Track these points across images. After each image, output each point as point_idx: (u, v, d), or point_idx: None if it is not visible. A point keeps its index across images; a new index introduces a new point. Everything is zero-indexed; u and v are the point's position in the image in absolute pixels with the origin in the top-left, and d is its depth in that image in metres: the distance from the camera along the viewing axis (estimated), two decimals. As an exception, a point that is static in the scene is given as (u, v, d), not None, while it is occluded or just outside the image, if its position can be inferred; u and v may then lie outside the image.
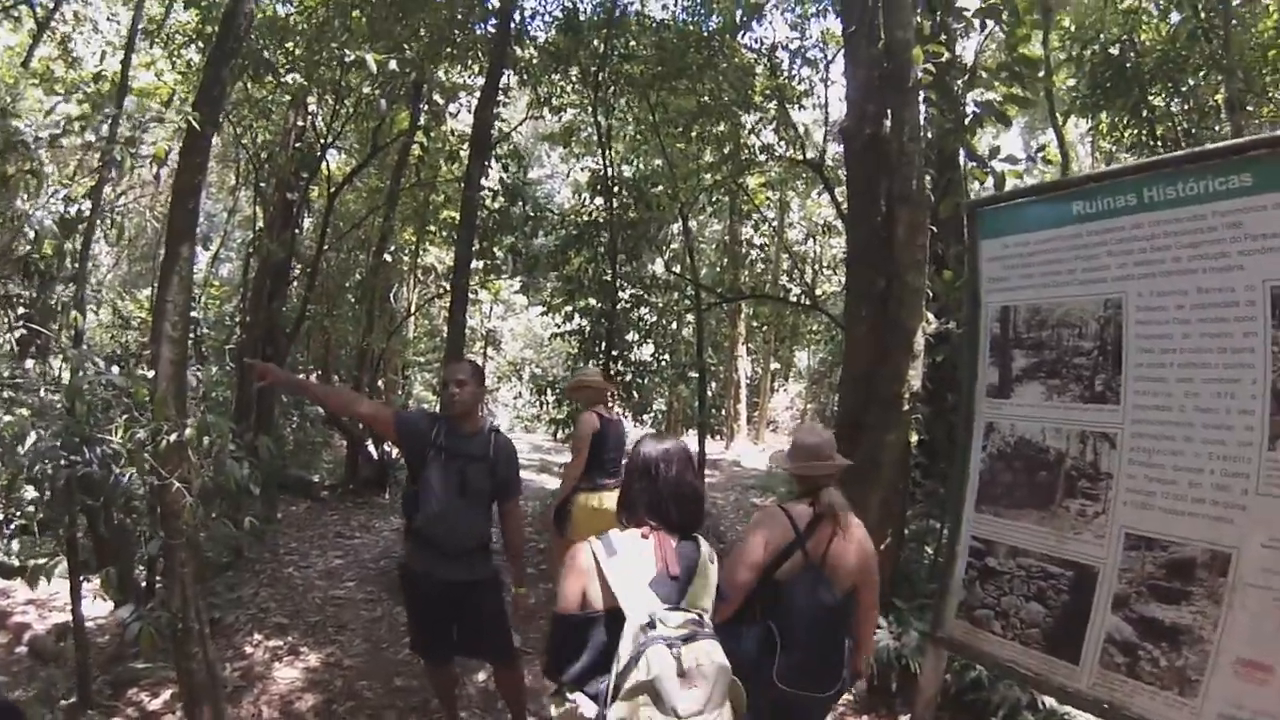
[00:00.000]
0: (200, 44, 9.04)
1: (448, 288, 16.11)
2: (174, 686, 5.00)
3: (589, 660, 2.39)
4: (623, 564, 2.44)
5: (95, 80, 8.53)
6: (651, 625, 2.28)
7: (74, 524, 4.42)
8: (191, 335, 7.94)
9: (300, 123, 10.53)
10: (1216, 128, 9.06)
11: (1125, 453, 2.66)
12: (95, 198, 5.19)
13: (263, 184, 10.69)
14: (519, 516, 4.44)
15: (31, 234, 4.29)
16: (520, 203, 10.43)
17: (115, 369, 3.76)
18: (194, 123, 3.53)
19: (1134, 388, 2.65)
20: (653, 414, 10.22)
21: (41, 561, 6.93)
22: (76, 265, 4.68)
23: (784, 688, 2.96)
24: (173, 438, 3.37)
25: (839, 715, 4.99)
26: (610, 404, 6.53)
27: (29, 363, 4.62)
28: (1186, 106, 9.42)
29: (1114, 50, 9.13)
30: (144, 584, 6.01)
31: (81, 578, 4.72)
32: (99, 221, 5.21)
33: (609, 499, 5.28)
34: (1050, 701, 4.31)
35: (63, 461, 3.53)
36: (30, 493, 4.99)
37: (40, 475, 3.69)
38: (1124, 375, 2.68)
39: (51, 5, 8.55)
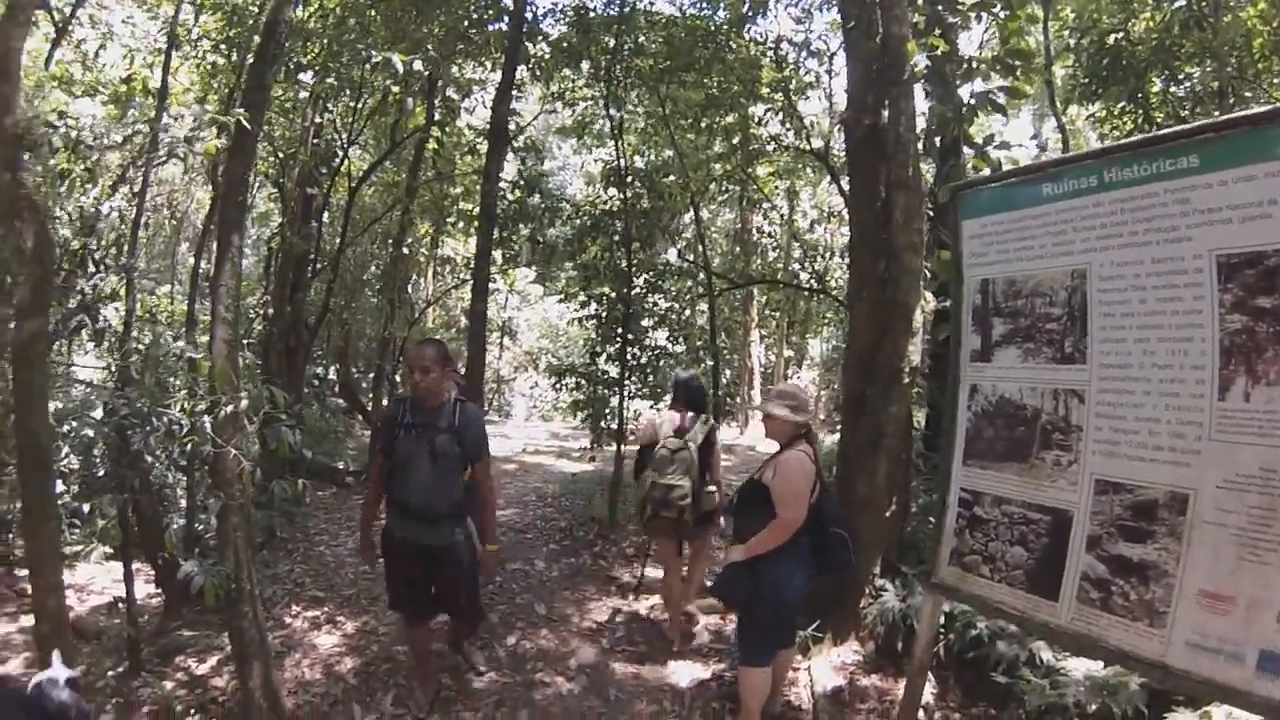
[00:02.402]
0: (224, 47, 9.33)
1: (465, 278, 16.43)
2: (219, 653, 5.32)
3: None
4: (664, 421, 5.78)
5: (125, 83, 8.86)
6: (664, 445, 5.57)
7: (131, 492, 4.71)
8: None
9: (318, 120, 10.82)
10: (1216, 113, 9.26)
11: (1093, 407, 2.91)
12: (141, 193, 5.52)
13: (283, 180, 10.96)
14: (488, 476, 4.69)
15: (89, 227, 4.62)
16: (537, 194, 10.68)
17: (180, 344, 4.09)
18: (243, 121, 3.85)
19: (1099, 349, 2.89)
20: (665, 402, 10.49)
21: (79, 548, 7.33)
22: (128, 257, 5.01)
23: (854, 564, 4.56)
24: (229, 409, 3.70)
25: (850, 674, 5.28)
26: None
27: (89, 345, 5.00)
28: (1182, 94, 9.60)
29: (1110, 39, 9.31)
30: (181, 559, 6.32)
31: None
32: (143, 213, 5.58)
33: None
34: (1046, 656, 4.59)
35: (132, 431, 3.85)
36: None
37: (111, 441, 4.03)
38: (1090, 338, 2.92)
39: (69, 11, 8.83)
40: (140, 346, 4.33)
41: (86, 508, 4.63)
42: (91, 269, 4.70)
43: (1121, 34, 9.32)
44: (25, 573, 6.91)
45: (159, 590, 6.29)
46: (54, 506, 3.53)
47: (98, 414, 4.22)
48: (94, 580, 6.86)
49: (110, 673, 4.94)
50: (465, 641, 5.47)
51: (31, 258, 3.15)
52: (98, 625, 5.96)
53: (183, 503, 6.80)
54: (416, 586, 4.66)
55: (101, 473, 5.48)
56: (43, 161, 4.14)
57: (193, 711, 4.64)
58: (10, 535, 7.23)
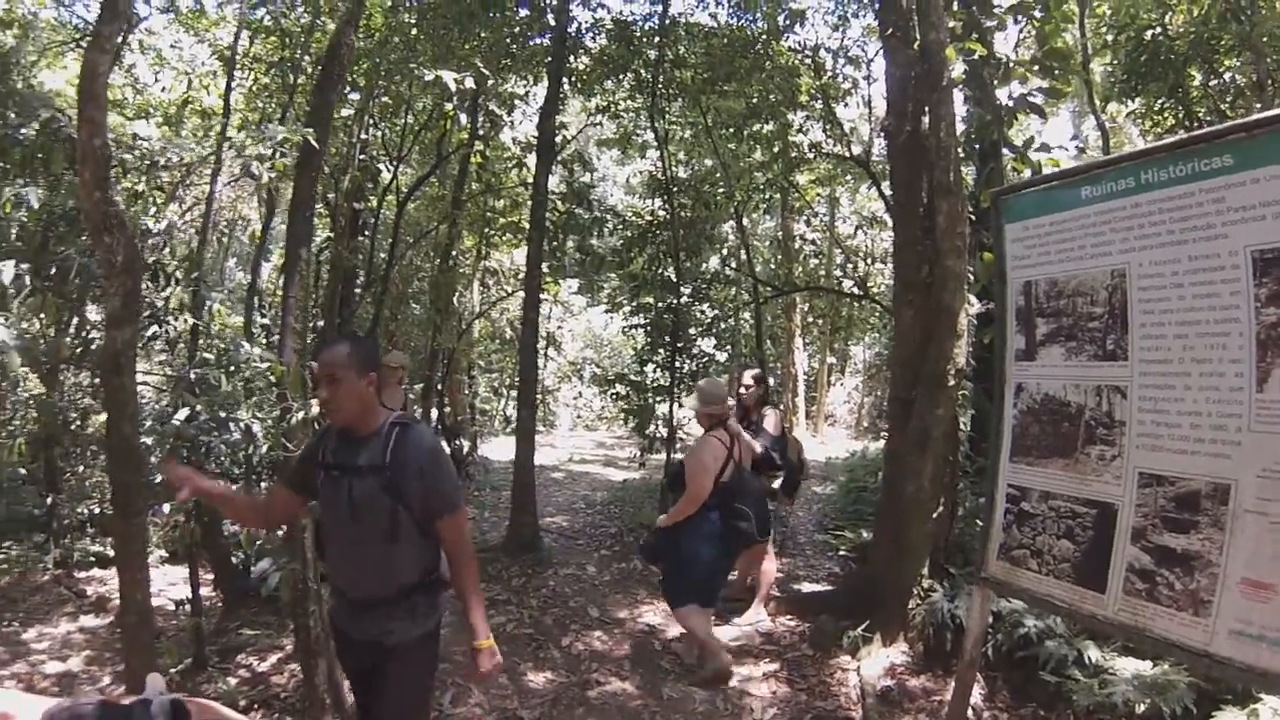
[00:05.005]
0: (277, 71, 9.66)
1: (511, 290, 16.63)
2: (279, 652, 5.52)
3: None
4: None
5: (182, 105, 9.22)
6: None
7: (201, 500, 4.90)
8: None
9: (364, 137, 11.06)
10: (1257, 105, 9.21)
11: (1135, 402, 2.97)
12: (207, 210, 5.77)
13: (332, 196, 11.22)
14: (459, 539, 3.04)
15: (163, 243, 4.88)
16: (585, 205, 10.85)
17: (257, 352, 4.29)
18: (310, 140, 4.05)
19: (1139, 345, 2.96)
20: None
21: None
22: (196, 271, 5.25)
23: (759, 537, 5.28)
24: (300, 415, 3.89)
25: (898, 675, 5.34)
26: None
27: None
28: (1221, 87, 9.53)
29: (1147, 35, 9.27)
30: (241, 566, 6.57)
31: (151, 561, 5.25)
32: (210, 229, 5.87)
33: None
34: (1095, 655, 4.62)
35: (208, 436, 4.06)
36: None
37: (194, 443, 4.25)
38: (1130, 335, 2.99)
39: (119, 39, 9.17)
40: (209, 356, 4.53)
41: (166, 508, 4.87)
42: (163, 282, 4.94)
43: (1159, 29, 9.27)
44: (84, 575, 7.30)
45: (216, 591, 6.55)
46: (143, 504, 3.72)
47: (177, 419, 4.42)
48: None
49: (173, 669, 5.10)
50: None
51: (121, 270, 3.35)
52: (158, 626, 6.18)
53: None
54: (362, 698, 3.29)
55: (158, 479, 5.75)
56: (118, 181, 4.38)
57: (256, 707, 4.81)
58: (69, 538, 7.57)
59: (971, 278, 5.79)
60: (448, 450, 11.79)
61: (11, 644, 5.90)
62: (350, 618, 3.08)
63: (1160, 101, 9.74)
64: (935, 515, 5.68)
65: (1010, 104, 5.75)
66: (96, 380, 6.86)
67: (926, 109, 5.80)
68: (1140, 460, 2.97)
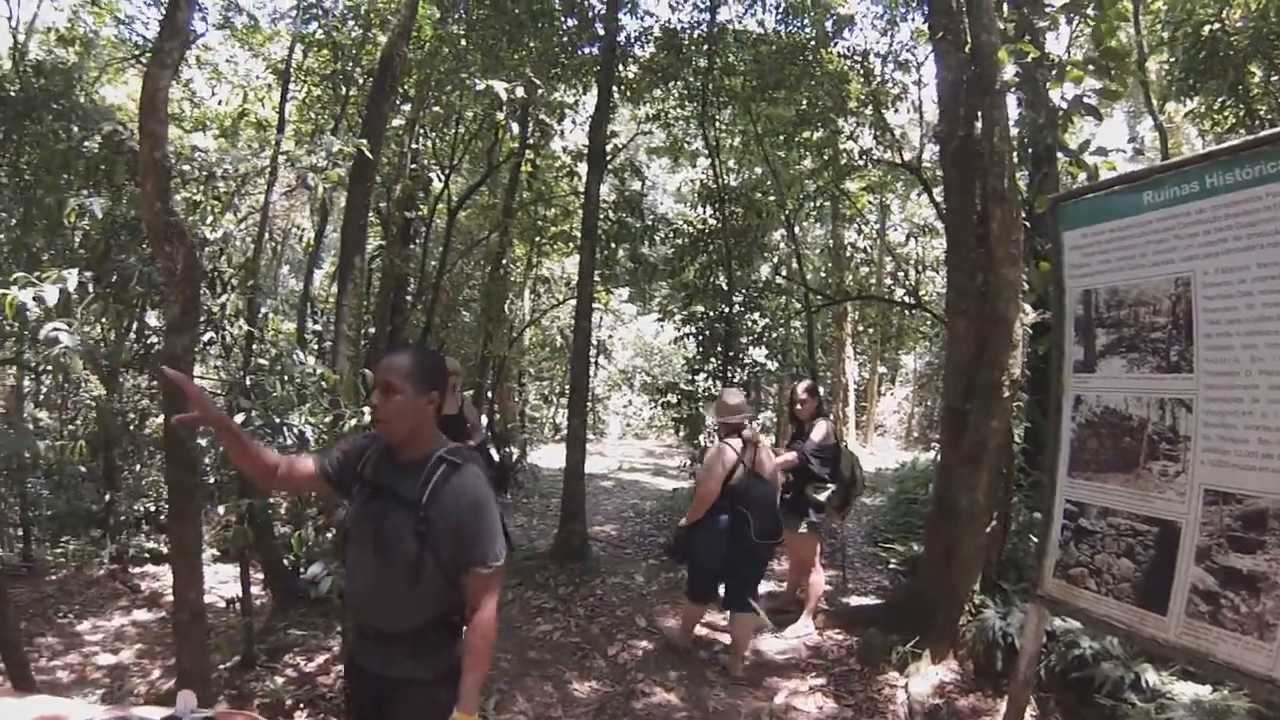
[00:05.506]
0: (329, 83, 9.85)
1: (561, 299, 16.71)
2: (326, 653, 5.59)
3: None
4: None
5: (239, 118, 9.44)
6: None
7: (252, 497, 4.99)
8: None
9: (415, 146, 11.19)
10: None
11: (1200, 416, 2.86)
12: (263, 219, 5.89)
13: (382, 205, 11.36)
14: (484, 596, 2.60)
15: (219, 251, 4.99)
16: (636, 213, 10.87)
17: (311, 360, 4.35)
18: (364, 151, 4.09)
19: (1205, 356, 2.84)
20: (761, 420, 10.49)
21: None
22: (252, 279, 5.36)
23: (757, 540, 5.40)
24: (353, 422, 3.92)
25: (947, 693, 5.22)
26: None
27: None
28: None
29: (1205, 31, 8.99)
30: (292, 568, 6.67)
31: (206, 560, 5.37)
32: (265, 238, 5.99)
33: None
34: (1152, 679, 4.47)
35: (266, 439, 4.12)
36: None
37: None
38: (1195, 346, 2.87)
39: (179, 55, 9.44)
40: (263, 361, 4.63)
41: (221, 509, 5.03)
42: (219, 289, 5.05)
43: (1217, 24, 8.97)
44: (139, 570, 7.59)
45: (266, 591, 6.71)
46: (198, 505, 3.79)
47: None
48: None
49: (223, 666, 5.21)
50: None
51: (181, 278, 3.42)
52: (208, 624, 6.32)
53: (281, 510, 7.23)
54: None
55: (212, 480, 5.90)
56: (177, 192, 4.49)
57: (302, 706, 4.87)
58: (125, 535, 7.80)
59: (1026, 286, 5.66)
60: (496, 456, 11.83)
61: (66, 635, 6.11)
62: (365, 649, 2.81)
63: (1220, 100, 9.42)
64: (988, 529, 5.56)
65: (1064, 106, 5.61)
66: (155, 383, 7.05)
67: (979, 113, 5.69)
68: (1205, 477, 2.85)
